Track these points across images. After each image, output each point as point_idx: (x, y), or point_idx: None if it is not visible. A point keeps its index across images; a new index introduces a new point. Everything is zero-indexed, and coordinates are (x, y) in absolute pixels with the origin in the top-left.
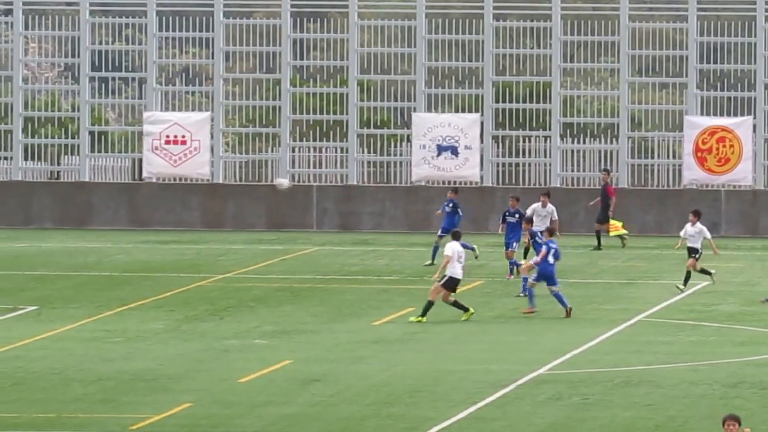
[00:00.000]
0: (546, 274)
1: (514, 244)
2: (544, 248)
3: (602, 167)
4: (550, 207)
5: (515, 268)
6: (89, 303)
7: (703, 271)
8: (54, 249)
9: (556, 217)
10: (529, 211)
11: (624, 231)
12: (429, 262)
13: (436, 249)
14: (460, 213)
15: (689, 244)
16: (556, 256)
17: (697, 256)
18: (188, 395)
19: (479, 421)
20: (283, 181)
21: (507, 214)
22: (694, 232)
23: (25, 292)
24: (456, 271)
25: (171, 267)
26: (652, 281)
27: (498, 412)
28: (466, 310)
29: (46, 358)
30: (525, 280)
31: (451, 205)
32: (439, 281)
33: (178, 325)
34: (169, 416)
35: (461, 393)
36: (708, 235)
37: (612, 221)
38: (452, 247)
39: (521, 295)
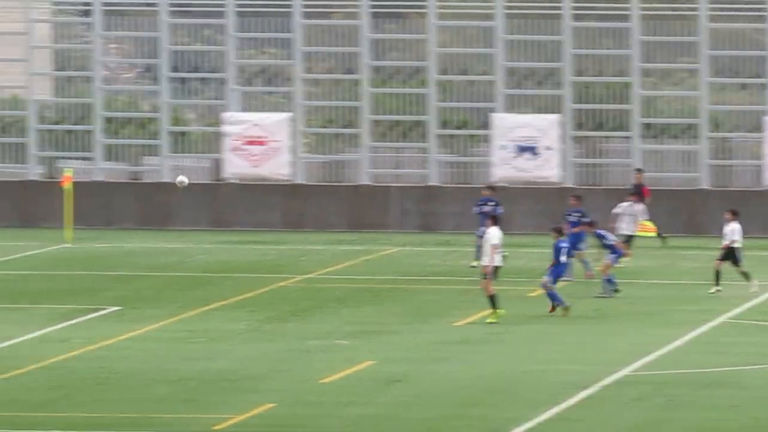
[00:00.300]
0: (559, 273)
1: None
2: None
3: (635, 168)
4: (639, 206)
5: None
6: (171, 303)
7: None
8: (135, 249)
9: (645, 217)
10: (617, 210)
11: (653, 233)
12: (475, 263)
13: (479, 249)
14: (500, 210)
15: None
16: (569, 254)
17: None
18: (270, 395)
19: (563, 422)
20: (184, 180)
21: (567, 213)
22: (729, 231)
23: (107, 292)
24: (497, 258)
25: (252, 267)
26: (734, 282)
27: (582, 413)
28: (495, 308)
29: (129, 358)
30: (608, 281)
31: (490, 203)
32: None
33: (260, 325)
34: (252, 416)
35: (544, 394)
36: (737, 236)
37: (644, 222)
38: (497, 235)
39: (604, 295)
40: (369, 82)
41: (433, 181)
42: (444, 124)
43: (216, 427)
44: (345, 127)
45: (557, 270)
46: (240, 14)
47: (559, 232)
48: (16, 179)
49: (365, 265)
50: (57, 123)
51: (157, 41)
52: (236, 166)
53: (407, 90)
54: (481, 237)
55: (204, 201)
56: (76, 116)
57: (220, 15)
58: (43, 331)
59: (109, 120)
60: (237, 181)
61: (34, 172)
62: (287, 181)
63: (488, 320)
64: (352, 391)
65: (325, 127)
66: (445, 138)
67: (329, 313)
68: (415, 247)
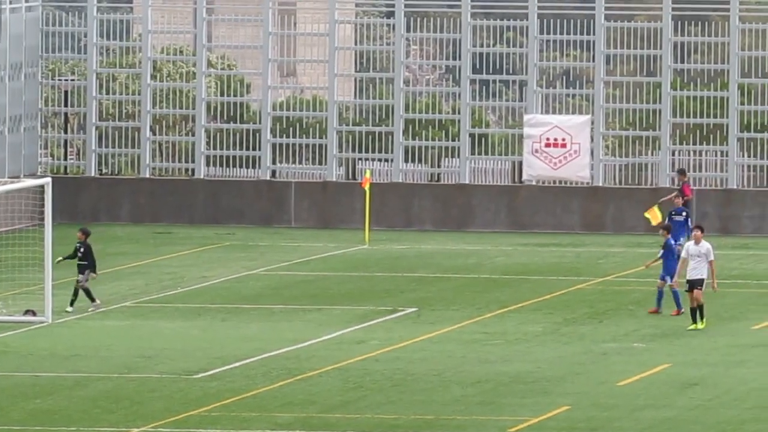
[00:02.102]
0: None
1: (681, 239)
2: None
3: (678, 168)
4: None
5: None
6: (469, 305)
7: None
8: (434, 251)
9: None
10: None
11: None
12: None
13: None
14: (690, 222)
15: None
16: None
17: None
18: (566, 398)
19: None
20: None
21: (673, 212)
22: (697, 252)
23: (405, 293)
24: None
25: (550, 270)
26: None
27: None
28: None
29: (426, 359)
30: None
31: (683, 213)
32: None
33: (557, 327)
34: (548, 419)
35: None
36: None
37: (655, 209)
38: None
39: None
40: (670, 85)
41: (732, 185)
42: (745, 128)
43: (511, 430)
44: (645, 129)
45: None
46: (542, 16)
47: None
48: (316, 180)
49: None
50: (357, 124)
51: (459, 43)
52: (536, 168)
53: (708, 93)
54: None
55: (503, 203)
56: (376, 117)
57: (522, 17)
58: (341, 332)
59: (409, 121)
60: (536, 183)
61: (334, 173)
62: (587, 183)
63: (690, 327)
64: (649, 394)
65: (625, 129)
66: (746, 141)
67: (626, 316)
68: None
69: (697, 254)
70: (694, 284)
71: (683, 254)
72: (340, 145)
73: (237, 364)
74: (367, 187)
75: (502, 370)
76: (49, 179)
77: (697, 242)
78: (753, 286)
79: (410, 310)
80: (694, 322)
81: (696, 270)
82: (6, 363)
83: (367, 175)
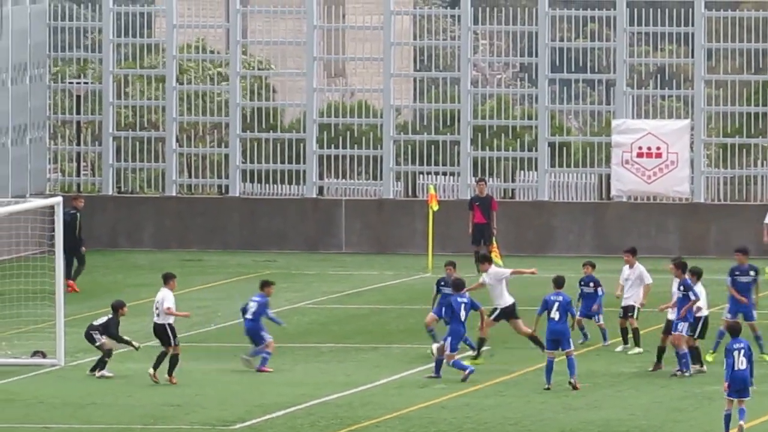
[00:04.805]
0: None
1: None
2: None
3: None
4: None
5: None
6: None
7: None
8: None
9: None
10: None
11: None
12: None
13: None
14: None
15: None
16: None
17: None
18: None
19: None
20: None
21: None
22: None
23: (475, 329)
24: None
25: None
26: None
27: None
28: None
29: (500, 406)
30: None
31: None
32: None
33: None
34: None
35: None
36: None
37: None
38: None
39: None
40: None
41: None
42: None
43: None
44: (753, 136)
45: None
46: (632, 5)
47: None
48: (370, 198)
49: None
50: (417, 132)
51: (535, 36)
52: (627, 182)
53: None
54: None
55: (588, 223)
56: (440, 124)
57: (609, 6)
58: (401, 375)
59: (477, 129)
60: (627, 200)
61: (391, 189)
62: (686, 199)
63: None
64: None
65: (730, 136)
66: None
67: None
68: None
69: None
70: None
71: None
72: (397, 157)
73: (280, 413)
74: (433, 206)
75: (589, 417)
76: (59, 198)
77: None
78: None
79: (483, 348)
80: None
81: None
82: (12, 413)
83: (432, 191)
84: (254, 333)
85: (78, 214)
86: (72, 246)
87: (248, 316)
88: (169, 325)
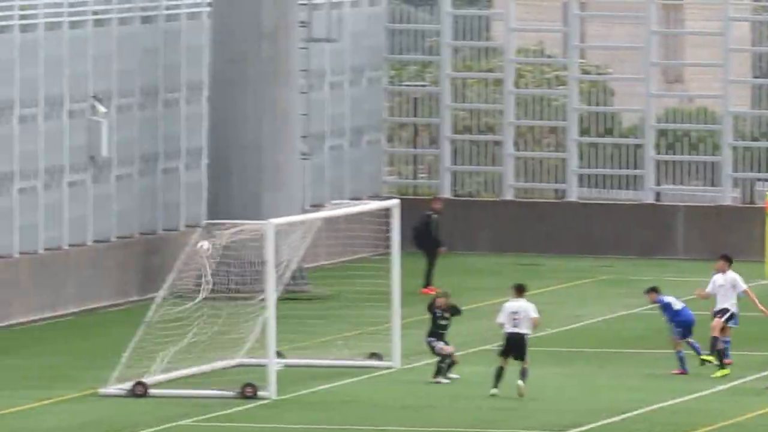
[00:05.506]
0: None
1: None
2: None
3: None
4: None
5: None
6: None
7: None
8: None
9: None
10: None
11: None
12: None
13: None
14: None
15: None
16: None
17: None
18: None
19: None
20: (204, 244)
21: None
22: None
23: None
24: None
25: None
26: None
27: None
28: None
29: None
30: None
31: None
32: None
33: None
34: None
35: None
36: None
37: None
38: None
39: None
40: None
41: None
42: None
43: None
44: None
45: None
46: None
47: None
48: (708, 204)
49: None
50: (755, 139)
51: None
52: None
53: None
54: None
55: None
56: None
57: None
58: (737, 381)
59: None
60: None
61: (728, 195)
62: None
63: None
64: None
65: None
66: None
67: None
68: None
69: None
70: None
71: None
72: (735, 164)
73: (615, 419)
74: None
75: None
76: (396, 201)
77: None
78: None
79: None
80: None
81: None
82: (349, 414)
83: None
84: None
85: (434, 216)
86: (429, 248)
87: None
88: (527, 337)
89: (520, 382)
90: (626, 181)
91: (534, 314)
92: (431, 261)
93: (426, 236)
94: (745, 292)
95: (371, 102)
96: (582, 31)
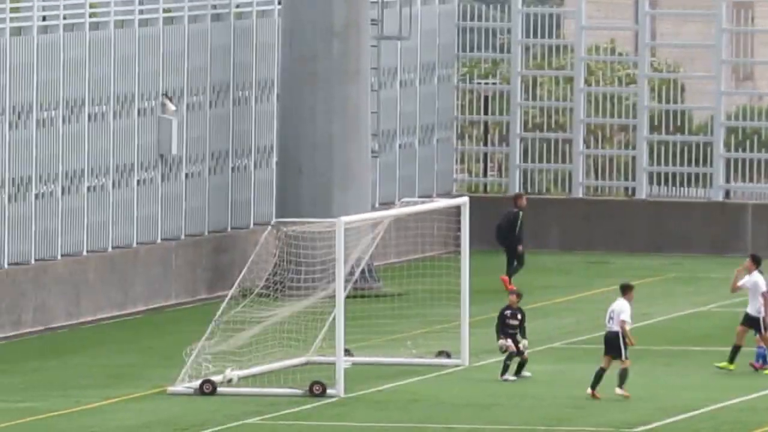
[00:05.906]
0: None
1: None
2: None
3: None
4: None
5: None
6: None
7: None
8: None
9: None
10: None
11: None
12: None
13: None
14: None
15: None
16: None
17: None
18: None
19: None
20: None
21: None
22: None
23: None
24: None
25: None
26: None
27: None
28: None
29: None
30: None
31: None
32: None
33: None
34: None
35: None
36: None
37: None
38: None
39: None
40: None
41: None
42: None
43: None
44: None
45: None
46: None
47: None
48: None
49: None
50: None
51: None
52: None
53: None
54: None
55: None
56: None
57: None
58: None
59: None
60: None
61: None
62: None
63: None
64: None
65: None
66: None
67: None
68: None
69: None
70: None
71: None
72: None
73: (682, 417)
74: None
75: None
76: (466, 199)
77: None
78: None
79: None
80: None
81: None
82: (416, 412)
83: None
84: None
85: (520, 213)
86: (511, 244)
87: None
88: (622, 335)
89: (617, 389)
90: (696, 179)
91: (623, 316)
92: (511, 258)
93: (511, 233)
94: (763, 295)
95: (442, 100)
96: (653, 29)
